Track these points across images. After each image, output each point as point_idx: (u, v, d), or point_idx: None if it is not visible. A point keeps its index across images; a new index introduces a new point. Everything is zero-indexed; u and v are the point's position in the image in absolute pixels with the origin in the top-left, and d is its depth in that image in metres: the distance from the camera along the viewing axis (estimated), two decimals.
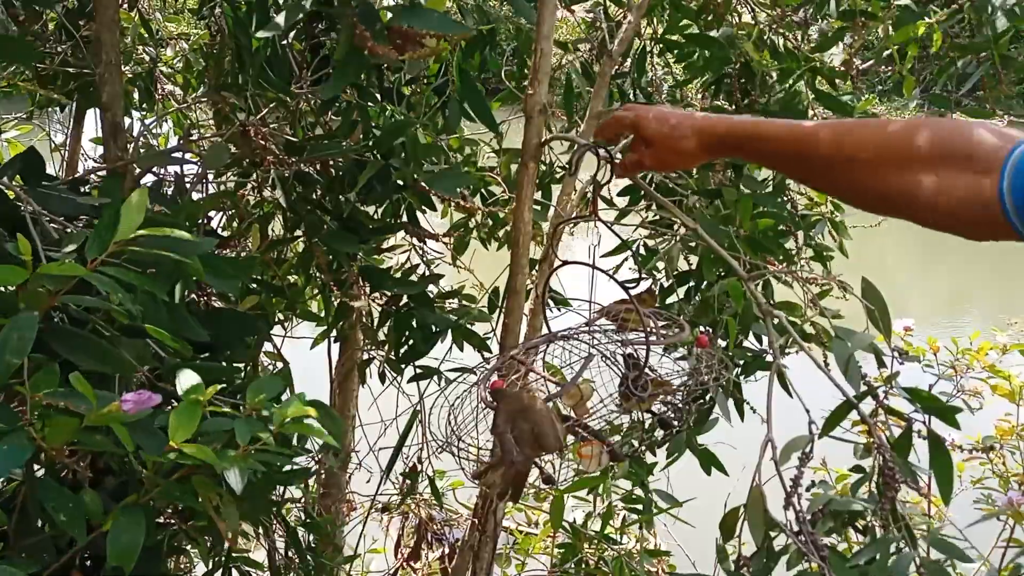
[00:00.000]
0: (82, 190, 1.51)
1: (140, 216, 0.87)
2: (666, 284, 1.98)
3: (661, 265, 1.99)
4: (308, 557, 1.59)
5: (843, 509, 1.13)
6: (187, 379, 0.87)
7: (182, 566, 1.95)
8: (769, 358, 1.87)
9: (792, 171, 1.04)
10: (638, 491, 1.87)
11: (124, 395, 0.79)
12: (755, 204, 1.72)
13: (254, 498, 1.00)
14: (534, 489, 2.53)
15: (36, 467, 1.00)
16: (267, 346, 1.84)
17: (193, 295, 1.58)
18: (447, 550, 2.49)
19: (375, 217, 1.90)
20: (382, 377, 2.00)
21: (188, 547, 1.35)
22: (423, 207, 1.87)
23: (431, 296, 1.84)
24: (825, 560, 0.98)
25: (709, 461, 1.77)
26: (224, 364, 1.17)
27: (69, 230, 1.22)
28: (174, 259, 0.95)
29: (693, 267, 1.99)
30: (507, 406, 1.08)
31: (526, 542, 2.61)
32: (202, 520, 1.03)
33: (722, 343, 1.77)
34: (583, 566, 1.99)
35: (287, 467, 1.10)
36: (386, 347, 1.92)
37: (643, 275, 1.98)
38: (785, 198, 2.06)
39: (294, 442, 1.14)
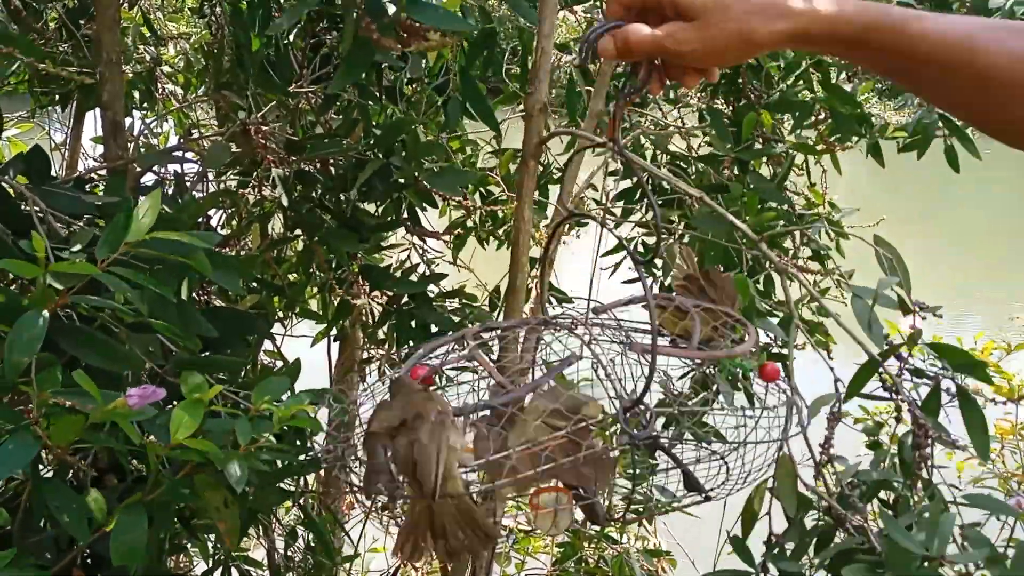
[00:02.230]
0: (86, 189, 1.51)
1: (153, 218, 0.88)
2: (666, 283, 1.98)
3: (660, 263, 1.99)
4: (308, 555, 1.59)
5: (876, 479, 1.11)
6: (191, 378, 0.87)
7: (182, 564, 1.95)
8: (776, 349, 1.88)
9: (925, 88, 0.71)
10: (638, 490, 1.87)
11: (129, 390, 0.79)
12: (761, 200, 1.72)
13: (258, 495, 1.00)
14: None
15: (42, 467, 1.00)
16: (267, 345, 1.85)
17: (194, 294, 1.58)
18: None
19: (375, 215, 1.90)
20: (382, 376, 2.00)
21: (188, 545, 1.35)
22: (423, 205, 1.88)
23: (431, 295, 1.84)
24: (865, 521, 0.97)
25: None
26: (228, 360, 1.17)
27: (74, 229, 1.23)
28: (177, 259, 0.96)
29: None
30: (400, 402, 0.77)
31: (525, 541, 2.61)
32: (203, 518, 1.03)
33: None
34: (583, 565, 1.99)
35: (293, 462, 1.10)
36: (386, 346, 1.93)
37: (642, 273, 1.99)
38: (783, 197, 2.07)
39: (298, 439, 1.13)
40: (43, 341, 0.83)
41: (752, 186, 1.89)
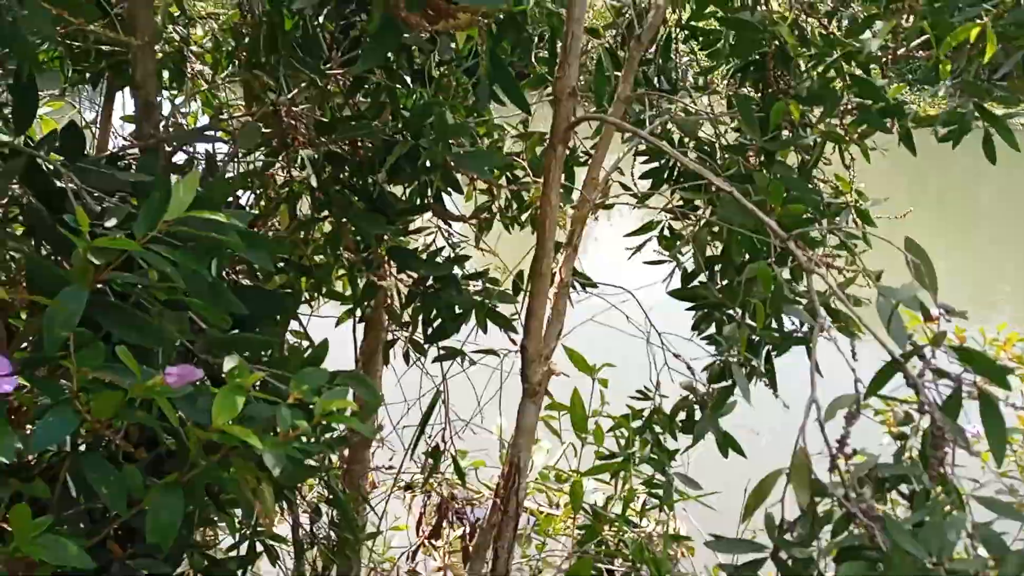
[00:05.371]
0: (118, 166, 1.53)
1: (190, 198, 0.89)
2: (690, 269, 1.98)
3: (685, 249, 1.99)
4: (332, 532, 1.62)
5: (891, 474, 1.11)
6: (231, 362, 0.89)
7: (208, 537, 1.98)
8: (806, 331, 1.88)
9: None
10: (659, 476, 1.89)
11: (168, 368, 0.81)
12: (786, 189, 1.71)
13: (287, 474, 1.02)
14: (553, 469, 2.56)
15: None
16: (293, 325, 1.86)
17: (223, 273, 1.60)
18: (468, 529, 2.52)
19: (402, 198, 1.92)
20: (406, 357, 2.02)
21: (216, 519, 1.38)
22: (449, 189, 1.88)
23: (457, 277, 1.86)
24: (878, 521, 0.97)
25: (727, 444, 1.79)
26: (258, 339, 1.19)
27: (107, 205, 1.25)
28: (214, 237, 0.97)
29: (718, 252, 1.99)
30: None
31: (546, 523, 2.63)
32: (231, 494, 1.05)
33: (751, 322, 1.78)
34: (603, 547, 2.01)
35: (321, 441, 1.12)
36: (410, 328, 1.94)
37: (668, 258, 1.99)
38: (811, 186, 2.06)
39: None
40: (81, 317, 0.85)
41: (778, 176, 1.88)
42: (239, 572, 1.28)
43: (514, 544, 1.84)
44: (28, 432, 0.82)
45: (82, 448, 1.05)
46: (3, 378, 0.75)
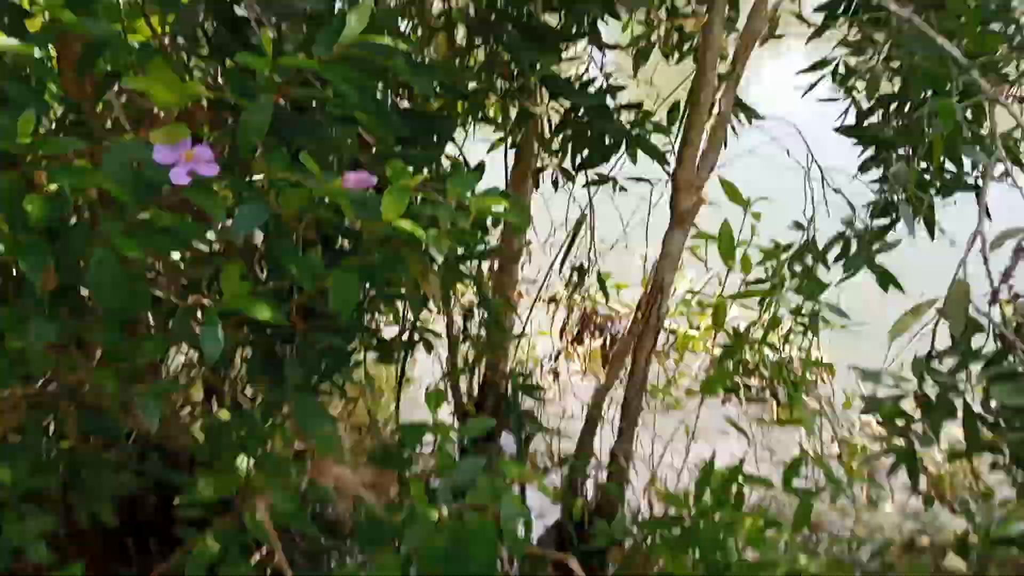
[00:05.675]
0: None
1: (364, 24, 0.95)
2: (865, 106, 1.87)
3: (860, 85, 1.88)
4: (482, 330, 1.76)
5: None
6: (396, 166, 0.97)
7: (372, 326, 2.21)
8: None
9: None
10: (807, 305, 1.88)
11: (347, 173, 0.90)
12: (984, 20, 1.56)
13: (449, 271, 1.12)
14: (697, 295, 2.60)
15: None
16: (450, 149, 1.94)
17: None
18: (609, 340, 2.65)
19: (555, 28, 1.89)
20: (555, 184, 2.07)
21: (383, 310, 1.53)
22: (606, 17, 1.84)
23: (609, 107, 1.85)
24: None
25: (887, 279, 1.75)
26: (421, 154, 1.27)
27: (282, 31, 1.32)
28: (381, 61, 1.03)
29: (895, 90, 1.86)
30: None
31: (685, 341, 2.70)
32: (399, 285, 1.18)
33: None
34: (741, 366, 2.05)
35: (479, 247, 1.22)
36: (559, 155, 1.98)
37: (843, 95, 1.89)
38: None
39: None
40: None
41: (974, 4, 1.70)
42: (402, 353, 1.44)
43: (652, 354, 1.91)
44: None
45: None
46: (208, 163, 0.87)
